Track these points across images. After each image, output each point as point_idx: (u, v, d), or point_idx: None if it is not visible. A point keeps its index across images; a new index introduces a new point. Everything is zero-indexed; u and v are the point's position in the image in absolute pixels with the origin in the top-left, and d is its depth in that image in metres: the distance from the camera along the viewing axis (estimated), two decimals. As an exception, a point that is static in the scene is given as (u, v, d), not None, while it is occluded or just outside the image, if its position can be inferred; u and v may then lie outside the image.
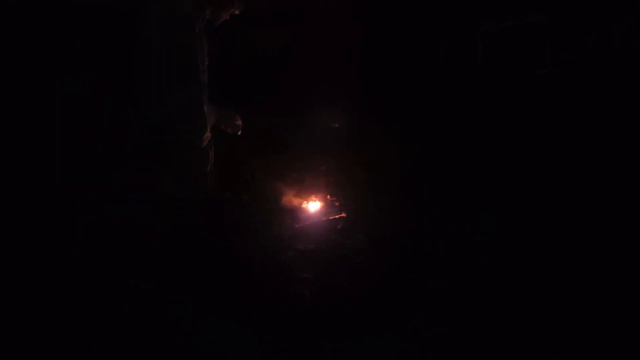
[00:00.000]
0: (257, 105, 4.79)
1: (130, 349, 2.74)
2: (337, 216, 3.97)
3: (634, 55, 4.50)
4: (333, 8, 5.11)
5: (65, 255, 3.26)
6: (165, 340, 2.78)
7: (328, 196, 4.19)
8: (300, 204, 4.09)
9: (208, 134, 3.45)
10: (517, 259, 3.42)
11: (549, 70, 4.73)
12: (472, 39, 4.83)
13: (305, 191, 4.20)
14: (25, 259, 3.21)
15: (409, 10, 5.01)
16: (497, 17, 4.79)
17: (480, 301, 3.10)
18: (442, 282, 3.25)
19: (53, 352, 2.72)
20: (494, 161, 4.48)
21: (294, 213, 3.99)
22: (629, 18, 4.52)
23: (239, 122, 3.65)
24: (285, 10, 5.15)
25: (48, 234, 3.40)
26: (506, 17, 4.77)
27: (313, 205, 4.07)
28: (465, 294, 3.16)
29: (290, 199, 4.12)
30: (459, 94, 5.07)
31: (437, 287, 3.21)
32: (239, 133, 3.68)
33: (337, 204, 4.12)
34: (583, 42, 4.60)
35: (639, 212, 3.67)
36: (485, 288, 3.20)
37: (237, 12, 3.41)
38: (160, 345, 2.76)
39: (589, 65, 4.58)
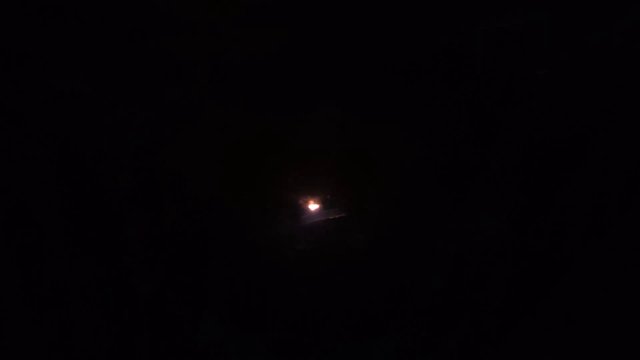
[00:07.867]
0: (257, 105, 4.79)
1: (131, 347, 2.74)
2: (337, 216, 3.97)
3: (634, 55, 4.50)
4: (333, 9, 5.12)
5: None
6: (164, 340, 2.78)
7: (328, 196, 4.19)
8: (300, 204, 4.09)
9: None
10: (518, 259, 3.42)
11: (549, 70, 4.74)
12: (472, 39, 4.83)
13: (305, 191, 4.20)
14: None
15: (409, 10, 5.01)
16: (497, 17, 4.80)
17: (481, 301, 3.10)
18: (443, 282, 3.25)
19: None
20: (494, 161, 4.48)
21: (294, 213, 3.99)
22: (629, 18, 4.53)
23: None
24: (286, 10, 5.15)
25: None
26: (506, 17, 4.78)
27: (313, 205, 4.07)
28: (465, 294, 3.16)
29: (290, 199, 4.12)
30: (459, 94, 5.06)
31: (437, 286, 3.22)
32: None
33: (337, 204, 4.12)
34: (583, 42, 4.61)
35: (638, 211, 3.68)
36: (486, 288, 3.20)
37: None
38: (159, 346, 2.76)
39: (588, 65, 4.58)
